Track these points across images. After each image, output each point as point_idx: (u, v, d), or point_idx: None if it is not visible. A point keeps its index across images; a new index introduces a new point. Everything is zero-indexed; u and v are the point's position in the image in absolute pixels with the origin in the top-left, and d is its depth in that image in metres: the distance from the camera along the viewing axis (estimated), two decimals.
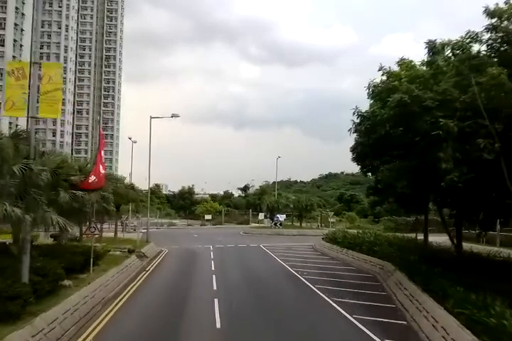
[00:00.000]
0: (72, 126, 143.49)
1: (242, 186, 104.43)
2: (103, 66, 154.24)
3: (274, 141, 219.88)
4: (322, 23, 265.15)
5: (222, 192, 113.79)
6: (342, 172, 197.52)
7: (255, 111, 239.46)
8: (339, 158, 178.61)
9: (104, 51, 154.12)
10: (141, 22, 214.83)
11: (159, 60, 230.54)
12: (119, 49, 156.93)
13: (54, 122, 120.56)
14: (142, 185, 64.21)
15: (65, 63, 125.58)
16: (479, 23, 15.26)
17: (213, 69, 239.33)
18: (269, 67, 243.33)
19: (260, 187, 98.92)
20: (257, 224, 72.29)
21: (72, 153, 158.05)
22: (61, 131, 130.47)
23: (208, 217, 73.63)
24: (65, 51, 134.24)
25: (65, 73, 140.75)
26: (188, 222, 78.56)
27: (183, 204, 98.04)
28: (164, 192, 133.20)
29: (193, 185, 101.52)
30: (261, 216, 75.70)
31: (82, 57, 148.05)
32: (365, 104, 19.22)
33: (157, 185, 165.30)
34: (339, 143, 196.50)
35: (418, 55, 29.21)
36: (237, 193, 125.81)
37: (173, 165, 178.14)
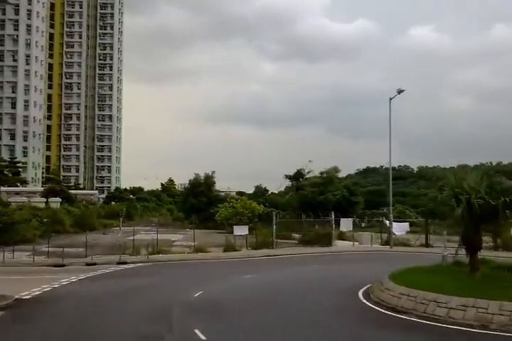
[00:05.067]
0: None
1: (292, 173, 66.97)
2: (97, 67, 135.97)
3: (296, 139, 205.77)
4: (343, 16, 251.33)
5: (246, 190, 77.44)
6: (381, 167, 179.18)
7: (276, 108, 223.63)
8: (373, 153, 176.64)
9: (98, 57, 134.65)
10: (157, 20, 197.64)
11: (176, 59, 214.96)
12: (118, 47, 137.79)
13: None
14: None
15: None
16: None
17: (231, 66, 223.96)
18: (289, 62, 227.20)
19: (322, 174, 62.11)
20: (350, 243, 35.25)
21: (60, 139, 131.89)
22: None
23: (239, 229, 35.45)
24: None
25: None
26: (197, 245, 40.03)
27: (196, 203, 61.26)
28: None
29: (213, 172, 64.49)
30: (345, 224, 38.88)
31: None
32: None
33: (171, 180, 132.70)
34: (367, 138, 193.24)
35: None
36: (272, 187, 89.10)
37: (191, 166, 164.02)
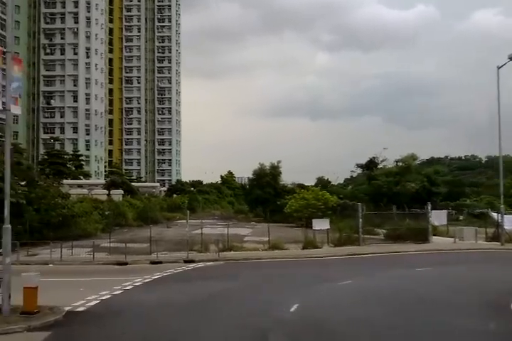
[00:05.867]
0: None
1: (364, 162, 61.74)
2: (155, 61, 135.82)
3: (352, 130, 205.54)
4: (400, 2, 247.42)
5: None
6: (446, 157, 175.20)
7: (331, 99, 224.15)
8: (433, 143, 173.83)
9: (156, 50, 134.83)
10: (209, 15, 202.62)
11: (230, 53, 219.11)
12: (176, 39, 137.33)
13: None
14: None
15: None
16: None
17: (285, 59, 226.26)
18: (344, 53, 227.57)
19: (398, 162, 56.41)
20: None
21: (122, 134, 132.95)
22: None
23: (319, 223, 30.63)
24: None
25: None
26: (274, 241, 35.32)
27: (262, 195, 57.40)
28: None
29: (278, 162, 60.14)
30: (438, 217, 33.53)
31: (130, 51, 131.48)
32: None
33: (230, 173, 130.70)
34: (426, 128, 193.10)
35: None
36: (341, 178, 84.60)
37: (249, 159, 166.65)
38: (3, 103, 12.85)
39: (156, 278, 19.53)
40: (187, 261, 24.65)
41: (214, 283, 18.29)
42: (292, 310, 13.35)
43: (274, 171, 59.78)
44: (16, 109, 13.23)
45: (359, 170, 63.78)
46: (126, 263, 24.58)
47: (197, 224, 48.07)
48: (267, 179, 58.30)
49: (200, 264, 23.93)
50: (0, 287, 12.46)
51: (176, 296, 15.67)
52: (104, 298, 15.23)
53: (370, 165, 60.74)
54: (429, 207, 31.61)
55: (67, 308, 13.30)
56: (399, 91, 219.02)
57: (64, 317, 12.52)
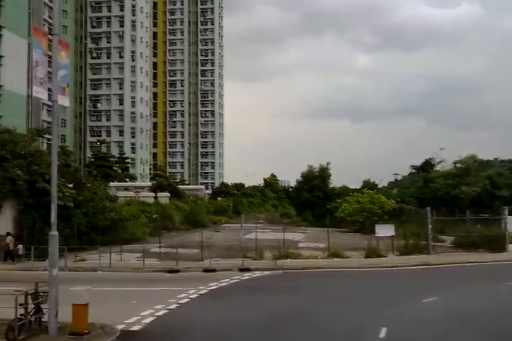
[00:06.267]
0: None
1: (418, 163, 58.40)
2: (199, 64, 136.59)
3: (394, 132, 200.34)
4: (443, 1, 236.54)
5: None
6: (496, 159, 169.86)
7: (373, 101, 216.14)
8: (482, 144, 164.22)
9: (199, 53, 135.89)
10: (250, 18, 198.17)
11: (270, 56, 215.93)
12: (219, 42, 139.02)
13: None
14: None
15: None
16: None
17: (326, 61, 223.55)
18: (385, 54, 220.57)
19: (457, 164, 52.86)
20: None
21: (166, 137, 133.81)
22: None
23: (383, 229, 27.20)
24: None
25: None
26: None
27: (311, 198, 55.05)
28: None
29: (328, 164, 57.55)
30: None
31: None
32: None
33: (273, 176, 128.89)
34: (474, 129, 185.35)
35: None
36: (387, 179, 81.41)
37: (289, 162, 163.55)
38: (50, 93, 11.33)
39: (212, 289, 17.76)
40: (242, 270, 22.82)
41: (279, 297, 16.27)
42: (382, 336, 11.20)
43: (324, 173, 57.29)
44: (64, 100, 11.69)
45: (412, 171, 60.34)
46: (178, 271, 23.01)
47: (246, 228, 46.44)
48: (316, 181, 55.92)
49: (257, 273, 22.03)
50: (46, 302, 10.93)
51: (241, 313, 13.74)
52: (160, 313, 13.52)
53: (426, 166, 57.39)
54: (506, 212, 28.58)
55: (120, 327, 11.64)
56: (443, 92, 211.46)
57: (118, 338, 10.85)
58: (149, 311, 13.63)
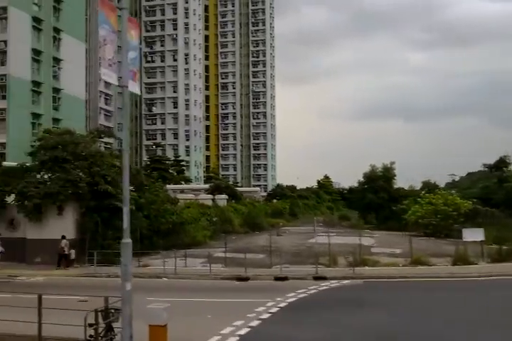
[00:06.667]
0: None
1: (492, 162, 54.18)
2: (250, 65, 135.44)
3: (448, 131, 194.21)
4: None
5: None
6: None
7: (425, 100, 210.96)
8: None
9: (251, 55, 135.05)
10: (298, 20, 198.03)
11: (319, 57, 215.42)
12: (270, 42, 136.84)
13: None
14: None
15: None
16: None
17: (376, 60, 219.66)
18: (438, 51, 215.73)
19: None
20: None
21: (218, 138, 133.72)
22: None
23: (471, 233, 24.07)
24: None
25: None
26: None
27: (376, 199, 52.07)
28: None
29: (392, 163, 54.29)
30: None
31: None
32: None
33: (327, 177, 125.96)
34: None
35: None
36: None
37: (339, 164, 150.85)
38: (119, 77, 9.73)
39: (292, 302, 15.80)
40: (317, 278, 20.75)
41: (370, 313, 14.04)
42: None
43: (388, 173, 54.29)
44: (134, 86, 10.08)
45: (484, 169, 56.10)
46: (247, 279, 21.25)
47: (308, 232, 44.27)
48: (380, 182, 53.00)
49: (335, 283, 19.89)
50: (118, 321, 9.35)
51: (340, 335, 11.72)
52: (242, 332, 11.69)
53: (500, 165, 53.20)
54: None
55: None
56: (502, 90, 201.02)
57: None
58: (229, 329, 11.85)
